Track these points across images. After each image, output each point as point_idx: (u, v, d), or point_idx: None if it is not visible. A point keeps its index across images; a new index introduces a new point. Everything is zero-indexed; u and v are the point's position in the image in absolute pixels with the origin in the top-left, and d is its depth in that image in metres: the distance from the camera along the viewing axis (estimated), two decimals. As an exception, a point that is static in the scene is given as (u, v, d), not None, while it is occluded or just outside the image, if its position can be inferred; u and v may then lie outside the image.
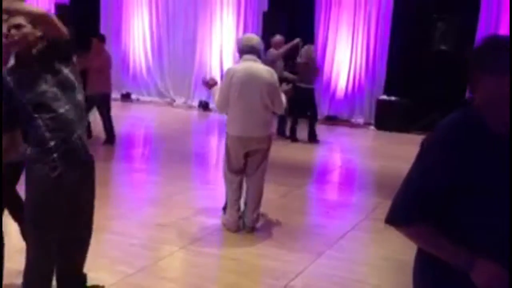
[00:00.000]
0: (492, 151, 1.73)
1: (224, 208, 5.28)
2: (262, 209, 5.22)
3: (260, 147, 4.89)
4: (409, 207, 1.80)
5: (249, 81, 4.70)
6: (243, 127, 4.78)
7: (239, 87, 4.71)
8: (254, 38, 4.93)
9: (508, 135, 1.72)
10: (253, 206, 5.05)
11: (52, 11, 14.17)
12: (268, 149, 4.98)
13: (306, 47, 9.56)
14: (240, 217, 5.09)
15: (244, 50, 4.83)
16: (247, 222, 5.07)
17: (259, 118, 4.78)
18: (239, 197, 5.10)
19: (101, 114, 8.01)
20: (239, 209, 5.09)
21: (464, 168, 1.72)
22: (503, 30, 10.60)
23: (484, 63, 1.69)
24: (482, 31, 10.77)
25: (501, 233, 1.72)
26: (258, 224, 5.17)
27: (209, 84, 5.15)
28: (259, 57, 4.85)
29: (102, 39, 8.45)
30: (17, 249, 3.61)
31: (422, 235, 1.82)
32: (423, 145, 1.82)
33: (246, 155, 4.92)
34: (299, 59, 9.55)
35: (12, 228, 3.90)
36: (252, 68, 4.75)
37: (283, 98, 4.94)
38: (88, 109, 7.41)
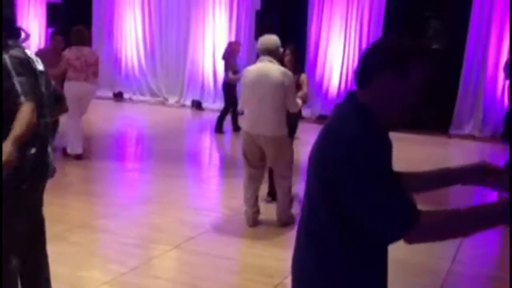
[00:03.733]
0: (388, 150, 1.74)
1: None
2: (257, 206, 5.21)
3: (270, 147, 4.98)
4: (400, 215, 1.61)
5: (260, 80, 4.86)
6: (251, 123, 4.97)
7: (251, 86, 4.90)
8: (270, 40, 5.03)
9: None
10: (281, 208, 5.21)
11: (44, 10, 14.14)
12: (279, 152, 5.02)
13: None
14: (255, 213, 5.19)
15: (260, 51, 5.03)
16: (280, 219, 5.23)
17: (267, 117, 4.88)
18: (253, 194, 5.18)
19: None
20: (254, 205, 5.18)
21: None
22: (495, 29, 10.67)
23: (393, 61, 1.68)
24: (473, 29, 10.82)
25: None
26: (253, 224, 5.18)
27: None
28: (275, 58, 5.00)
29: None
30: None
31: (440, 221, 1.63)
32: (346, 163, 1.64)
33: (263, 153, 5.06)
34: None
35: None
36: (264, 68, 4.89)
37: (298, 100, 5.14)
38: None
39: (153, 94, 13.89)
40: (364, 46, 11.86)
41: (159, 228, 5.06)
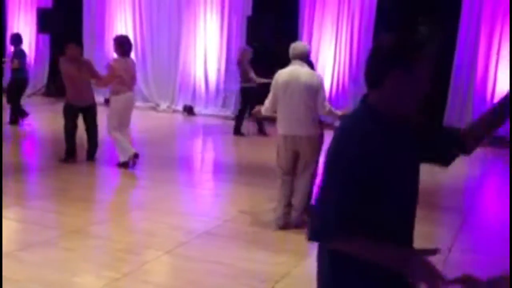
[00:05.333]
0: (397, 145, 1.85)
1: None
2: (251, 212, 5.24)
3: (304, 147, 5.16)
4: (330, 222, 1.76)
5: (291, 82, 5.12)
6: (287, 125, 5.17)
7: (283, 87, 5.15)
8: (299, 46, 5.34)
9: (402, 128, 1.88)
10: (300, 208, 5.29)
11: (34, 16, 14.11)
12: (313, 151, 5.22)
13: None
14: (285, 214, 5.30)
15: (291, 56, 5.28)
16: (293, 221, 5.30)
17: (300, 117, 5.12)
18: (286, 196, 5.31)
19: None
20: (287, 205, 5.30)
21: (372, 168, 1.77)
22: (484, 34, 10.76)
23: (399, 60, 1.80)
24: (463, 34, 10.92)
25: (408, 215, 1.92)
26: (251, 228, 5.20)
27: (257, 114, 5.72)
28: (306, 62, 5.29)
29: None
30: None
31: (353, 245, 1.78)
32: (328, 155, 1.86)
33: (297, 156, 5.22)
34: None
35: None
36: (295, 71, 5.17)
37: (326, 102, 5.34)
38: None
39: (144, 99, 13.86)
40: (355, 50, 11.93)
41: (152, 233, 5.06)
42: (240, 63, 10.35)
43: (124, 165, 7.32)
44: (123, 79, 7.24)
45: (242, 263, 4.51)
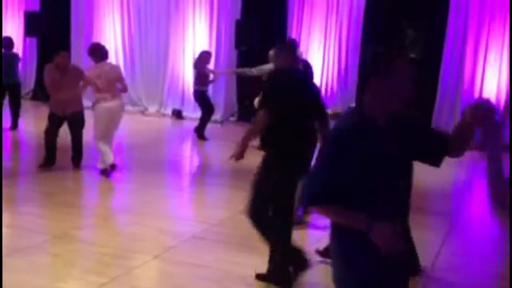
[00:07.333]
0: (381, 140, 2.22)
1: None
2: (239, 216, 5.22)
3: None
4: (316, 193, 2.25)
5: None
6: None
7: None
8: None
9: (389, 125, 2.24)
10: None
11: (22, 19, 14.01)
12: None
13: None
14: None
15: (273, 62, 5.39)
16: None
17: None
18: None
19: None
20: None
21: (355, 157, 2.17)
22: (471, 38, 10.83)
23: (377, 70, 2.23)
24: (450, 38, 10.99)
25: (390, 209, 2.24)
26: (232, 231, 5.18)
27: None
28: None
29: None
30: None
31: (329, 212, 2.30)
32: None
33: None
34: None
35: None
36: None
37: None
38: None
39: (133, 103, 13.79)
40: (343, 54, 11.98)
41: (139, 238, 5.03)
42: (196, 66, 10.41)
43: (103, 172, 7.10)
44: (97, 87, 7.01)
45: (229, 267, 4.49)
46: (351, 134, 2.21)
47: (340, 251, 2.34)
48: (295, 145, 4.03)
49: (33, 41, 14.22)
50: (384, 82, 2.19)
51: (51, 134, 7.27)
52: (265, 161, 4.13)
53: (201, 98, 10.38)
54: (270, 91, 4.16)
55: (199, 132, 10.28)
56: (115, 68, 7.59)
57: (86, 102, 8.25)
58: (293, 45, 4.49)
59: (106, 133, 7.14)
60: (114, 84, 7.17)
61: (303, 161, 4.01)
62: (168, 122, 12.82)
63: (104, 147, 7.07)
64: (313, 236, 5.37)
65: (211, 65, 10.89)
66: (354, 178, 2.18)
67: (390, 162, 2.23)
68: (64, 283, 4.03)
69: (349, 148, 2.18)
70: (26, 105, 13.19)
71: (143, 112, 13.50)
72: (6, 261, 4.32)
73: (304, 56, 12.01)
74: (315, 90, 4.43)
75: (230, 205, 6.21)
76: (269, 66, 5.55)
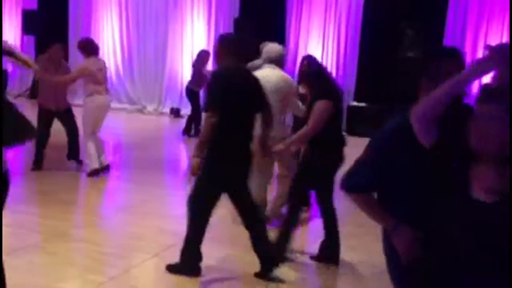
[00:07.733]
0: (416, 155, 2.16)
1: None
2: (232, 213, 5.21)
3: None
4: (354, 181, 2.33)
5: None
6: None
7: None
8: (274, 50, 5.32)
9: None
10: (274, 204, 5.54)
11: (20, 17, 13.98)
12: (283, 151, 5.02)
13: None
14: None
15: (264, 60, 5.27)
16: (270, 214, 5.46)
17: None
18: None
19: None
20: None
21: (389, 166, 2.22)
22: (469, 38, 10.84)
23: (428, 70, 2.28)
24: (449, 38, 10.99)
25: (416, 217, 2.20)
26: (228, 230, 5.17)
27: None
28: (277, 65, 5.28)
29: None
30: None
31: (363, 202, 2.35)
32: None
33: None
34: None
35: None
36: (266, 74, 5.02)
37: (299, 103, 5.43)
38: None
39: (131, 101, 13.79)
40: (342, 53, 11.98)
41: (138, 236, 5.02)
42: (194, 65, 10.55)
43: (94, 172, 6.98)
44: (97, 79, 6.87)
45: (229, 265, 4.48)
46: (405, 134, 2.18)
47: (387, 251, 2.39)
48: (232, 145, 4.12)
49: (31, 40, 14.19)
50: (434, 83, 2.16)
51: (42, 134, 6.99)
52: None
53: (192, 97, 10.52)
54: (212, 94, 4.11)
55: (187, 132, 10.56)
56: (104, 62, 7.48)
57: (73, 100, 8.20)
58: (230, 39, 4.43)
59: (94, 129, 7.05)
60: (105, 80, 7.19)
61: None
62: (166, 120, 12.80)
63: (93, 150, 6.95)
64: (313, 236, 5.36)
65: (209, 63, 10.86)
66: (396, 179, 2.23)
67: (418, 180, 2.24)
68: (63, 282, 4.01)
69: (398, 148, 2.21)
70: (23, 103, 13.17)
71: (141, 111, 13.49)
72: (4, 260, 4.30)
73: (302, 54, 12.03)
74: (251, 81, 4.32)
75: (228, 203, 6.18)
76: (258, 62, 5.54)
